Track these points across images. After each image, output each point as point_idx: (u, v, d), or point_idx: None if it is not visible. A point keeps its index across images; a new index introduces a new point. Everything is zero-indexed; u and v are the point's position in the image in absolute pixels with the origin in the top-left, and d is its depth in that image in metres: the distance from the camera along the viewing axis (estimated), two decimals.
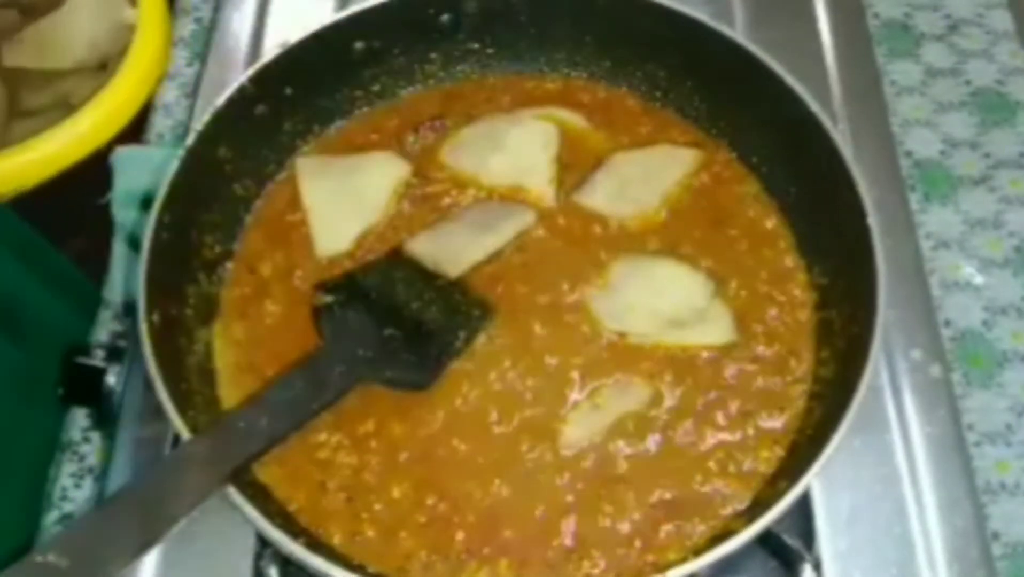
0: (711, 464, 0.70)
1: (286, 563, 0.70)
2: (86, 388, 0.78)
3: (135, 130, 0.91)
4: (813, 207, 0.78)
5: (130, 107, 0.80)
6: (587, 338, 0.75)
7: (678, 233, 0.79)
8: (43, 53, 0.83)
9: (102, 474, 0.78)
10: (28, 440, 0.83)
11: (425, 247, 0.78)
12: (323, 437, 0.71)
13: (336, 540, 0.68)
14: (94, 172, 0.88)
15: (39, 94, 0.82)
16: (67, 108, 0.84)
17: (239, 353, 0.76)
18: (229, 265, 0.80)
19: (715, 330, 0.75)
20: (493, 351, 0.75)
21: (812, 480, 0.62)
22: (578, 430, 0.71)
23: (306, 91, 0.83)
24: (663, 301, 0.76)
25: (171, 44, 0.81)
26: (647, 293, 0.76)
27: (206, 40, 0.99)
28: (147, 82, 0.79)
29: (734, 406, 0.72)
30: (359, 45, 0.84)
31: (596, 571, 0.67)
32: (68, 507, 0.79)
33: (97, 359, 0.79)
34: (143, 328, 0.68)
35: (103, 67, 0.82)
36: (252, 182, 0.82)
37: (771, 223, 0.80)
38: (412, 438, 0.71)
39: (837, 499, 0.74)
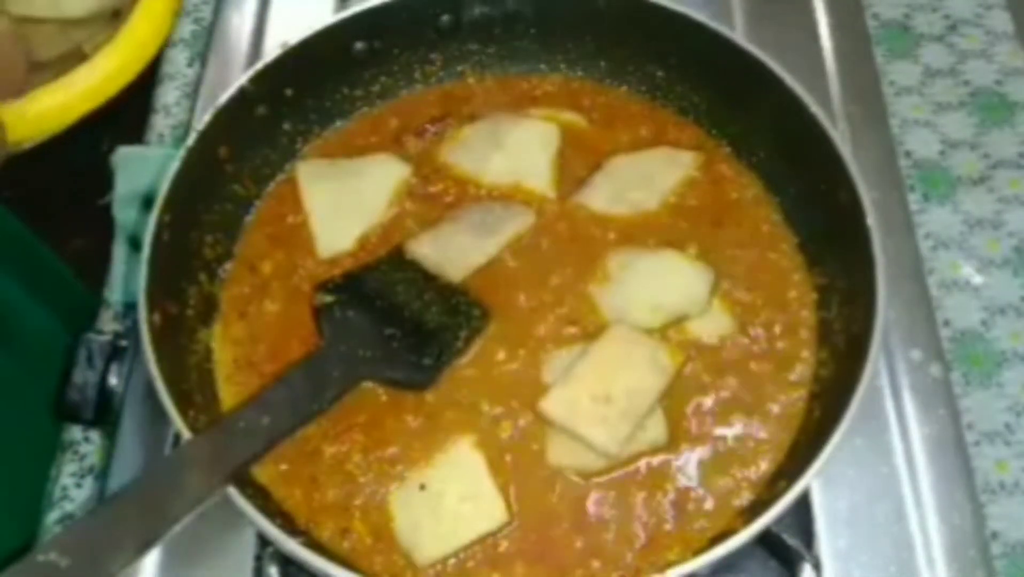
0: (711, 464, 0.70)
1: (286, 562, 0.71)
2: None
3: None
4: (813, 207, 0.78)
5: (144, 53, 0.80)
6: (586, 335, 0.75)
7: (678, 234, 0.80)
8: (56, 2, 0.83)
9: (102, 474, 0.78)
10: (28, 439, 0.83)
11: (426, 250, 0.78)
12: (318, 435, 0.71)
13: (334, 539, 0.69)
14: (95, 172, 0.88)
15: (53, 45, 0.82)
16: (81, 58, 0.84)
17: (239, 352, 0.76)
18: (229, 265, 0.80)
19: (716, 323, 0.75)
20: (493, 350, 0.75)
21: (812, 480, 0.63)
22: None
23: (306, 91, 0.83)
24: (663, 294, 0.76)
25: None
26: (648, 286, 0.76)
27: (206, 41, 0.99)
28: (160, 28, 0.78)
29: (735, 406, 0.72)
30: (359, 46, 0.84)
31: (597, 569, 0.67)
32: (69, 507, 0.79)
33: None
34: (144, 328, 0.68)
35: (116, 15, 0.81)
36: (252, 182, 0.83)
37: (771, 223, 0.80)
38: (411, 438, 0.72)
39: (837, 499, 0.74)
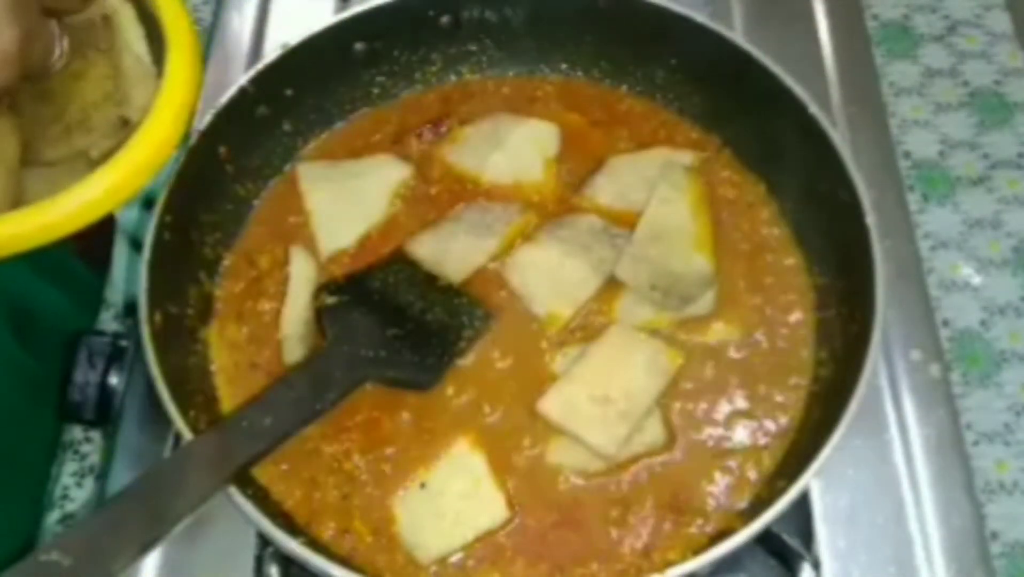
0: (711, 463, 0.71)
1: (286, 562, 0.71)
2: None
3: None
4: (813, 207, 0.78)
5: (149, 169, 0.72)
6: (587, 336, 0.75)
7: None
8: (61, 104, 0.78)
9: (103, 474, 0.78)
10: (31, 439, 0.83)
11: (426, 250, 0.78)
12: (317, 435, 0.71)
13: (334, 538, 0.69)
14: None
15: (57, 146, 0.78)
16: (86, 161, 0.76)
17: (240, 353, 0.76)
18: (229, 264, 0.80)
19: (715, 323, 0.76)
20: (492, 350, 0.75)
21: (811, 479, 0.63)
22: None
23: (306, 92, 0.84)
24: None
25: (200, 101, 0.73)
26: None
27: (207, 41, 0.99)
28: (170, 142, 0.71)
29: (734, 406, 0.73)
30: (359, 46, 0.85)
31: (597, 569, 0.67)
32: (69, 506, 0.79)
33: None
34: (144, 328, 0.68)
35: (126, 124, 0.76)
36: (253, 182, 0.83)
37: (770, 224, 0.80)
38: (411, 437, 0.72)
39: (836, 498, 0.74)
